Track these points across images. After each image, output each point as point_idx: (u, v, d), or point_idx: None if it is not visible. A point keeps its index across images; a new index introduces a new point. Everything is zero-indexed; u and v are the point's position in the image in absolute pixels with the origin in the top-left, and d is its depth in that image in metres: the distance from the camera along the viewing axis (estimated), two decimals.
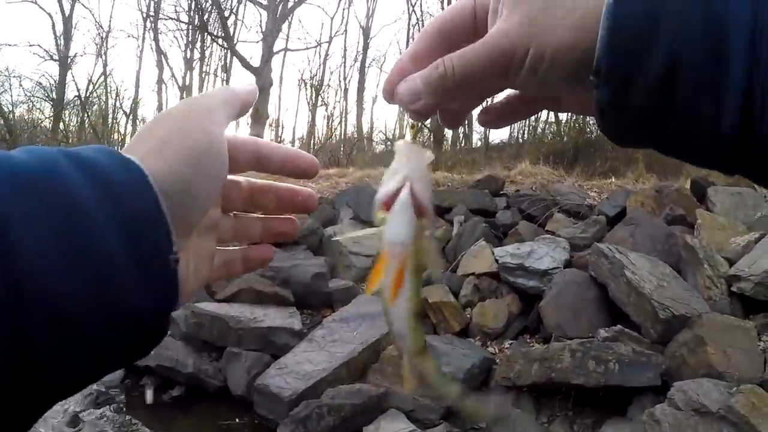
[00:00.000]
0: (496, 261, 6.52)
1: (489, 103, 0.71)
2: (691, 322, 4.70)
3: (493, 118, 0.71)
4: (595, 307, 5.60)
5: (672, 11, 0.50)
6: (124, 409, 5.86)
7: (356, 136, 29.20)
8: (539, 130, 24.75)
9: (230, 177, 0.66)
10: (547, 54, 0.55)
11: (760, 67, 0.47)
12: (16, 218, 0.42)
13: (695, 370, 4.29)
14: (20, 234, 0.42)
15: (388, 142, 30.75)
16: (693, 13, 0.49)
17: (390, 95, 0.65)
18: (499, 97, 0.70)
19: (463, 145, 25.68)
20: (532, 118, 27.04)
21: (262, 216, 0.73)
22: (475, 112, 0.73)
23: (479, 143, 27.74)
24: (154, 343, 0.54)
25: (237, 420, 5.58)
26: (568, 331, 5.44)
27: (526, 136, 25.66)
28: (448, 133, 27.56)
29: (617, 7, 0.51)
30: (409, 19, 31.59)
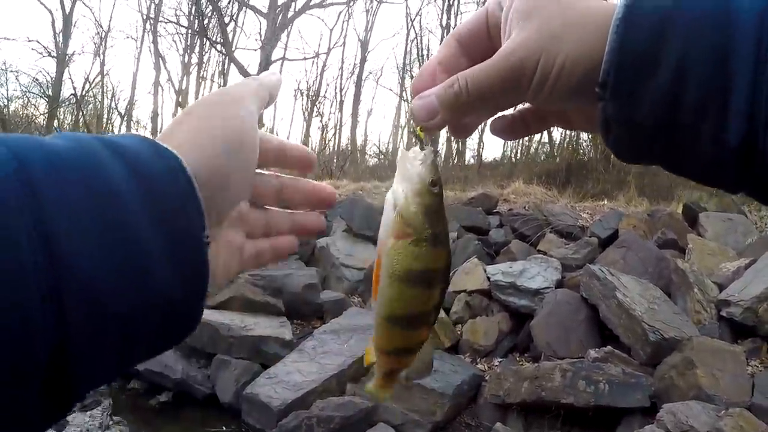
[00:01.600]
0: (488, 279, 6.53)
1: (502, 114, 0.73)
2: (681, 345, 4.73)
3: (503, 128, 0.73)
4: (585, 328, 5.62)
5: (679, 28, 0.51)
6: (111, 412, 5.82)
7: (350, 148, 29.24)
8: (532, 149, 24.82)
9: (260, 171, 0.67)
10: (557, 65, 0.57)
11: (764, 83, 0.48)
12: (51, 201, 0.42)
13: (684, 392, 4.32)
14: (55, 215, 0.42)
15: (381, 156, 30.78)
16: (700, 31, 0.51)
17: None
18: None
19: (456, 162, 25.73)
20: (526, 137, 27.13)
21: (291, 211, 0.73)
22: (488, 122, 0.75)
23: (472, 161, 27.78)
24: (186, 331, 0.54)
25: (224, 428, 5.56)
26: (558, 351, 5.46)
27: (519, 155, 25.75)
28: (441, 149, 27.61)
29: (626, 22, 0.53)
30: (408, 33, 31.80)
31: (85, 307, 0.42)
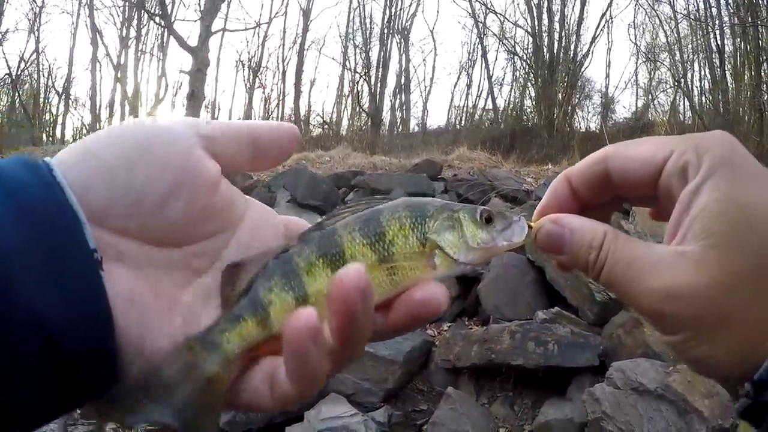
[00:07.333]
0: None
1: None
2: None
3: None
4: (532, 290, 5.65)
5: None
6: None
7: (293, 118, 28.93)
8: (477, 116, 24.93)
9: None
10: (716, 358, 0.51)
11: None
12: None
13: (632, 350, 4.37)
14: None
15: (325, 126, 30.60)
16: None
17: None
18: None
19: (400, 129, 25.71)
20: (470, 104, 27.21)
21: None
22: None
23: (416, 128, 27.80)
24: (91, 384, 0.43)
25: None
26: (506, 314, 5.48)
27: (463, 122, 25.80)
28: (386, 116, 27.53)
29: None
30: (350, 1, 31.45)
31: None
